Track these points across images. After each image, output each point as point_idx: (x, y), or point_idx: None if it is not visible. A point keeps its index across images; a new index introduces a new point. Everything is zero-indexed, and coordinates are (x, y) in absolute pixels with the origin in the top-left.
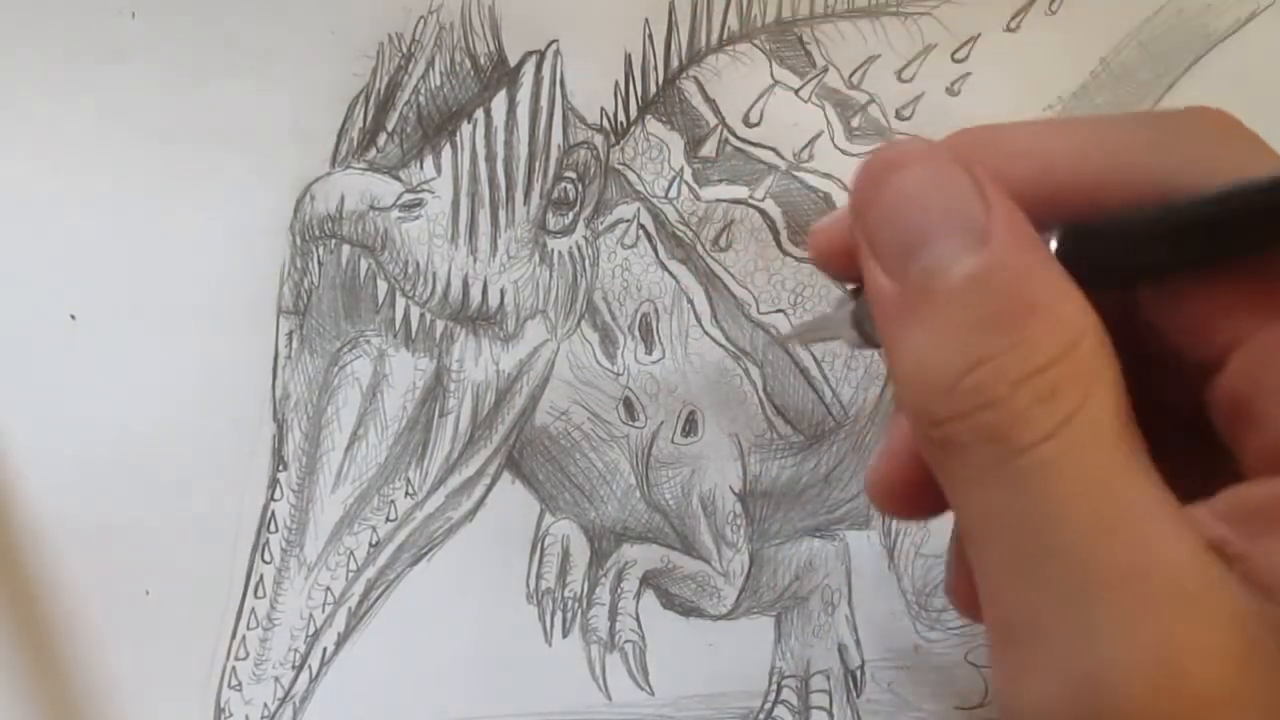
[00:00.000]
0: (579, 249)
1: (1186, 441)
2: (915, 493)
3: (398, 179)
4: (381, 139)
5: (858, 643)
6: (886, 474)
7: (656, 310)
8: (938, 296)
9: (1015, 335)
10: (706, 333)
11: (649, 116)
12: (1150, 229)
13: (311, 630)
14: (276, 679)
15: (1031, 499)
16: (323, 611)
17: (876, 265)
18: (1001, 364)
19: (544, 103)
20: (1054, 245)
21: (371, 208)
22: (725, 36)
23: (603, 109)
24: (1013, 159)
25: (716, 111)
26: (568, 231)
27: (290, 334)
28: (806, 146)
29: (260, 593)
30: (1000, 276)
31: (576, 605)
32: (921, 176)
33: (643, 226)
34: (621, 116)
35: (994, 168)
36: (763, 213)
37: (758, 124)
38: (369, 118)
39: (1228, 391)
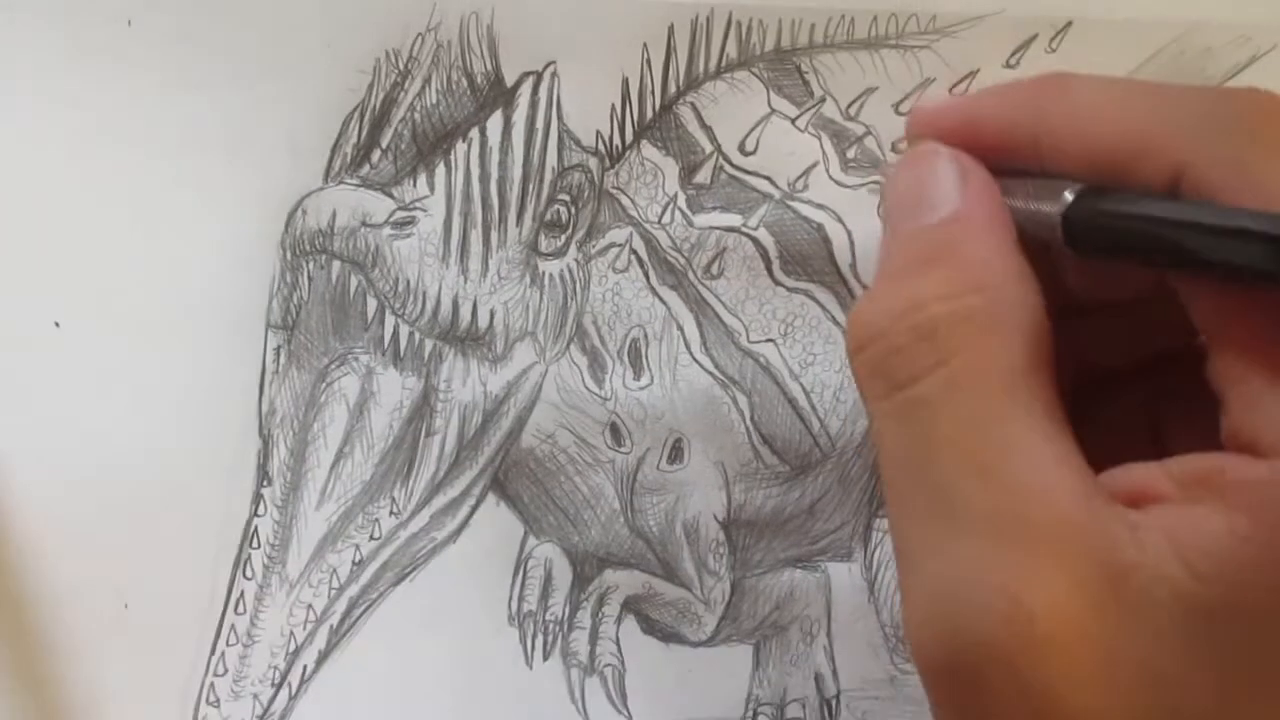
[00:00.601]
0: (570, 272)
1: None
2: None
3: (390, 196)
4: (375, 155)
5: (834, 672)
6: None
7: (646, 336)
8: (891, 252)
9: (916, 282)
10: (695, 360)
11: (644, 141)
12: (1158, 220)
13: (292, 648)
14: (255, 696)
15: (912, 433)
16: (304, 629)
17: (881, 249)
18: (892, 303)
19: (539, 124)
20: (1068, 197)
21: (363, 224)
22: (724, 64)
23: (598, 132)
24: (1069, 120)
25: (712, 138)
26: (559, 254)
27: (278, 349)
28: (801, 176)
29: (241, 609)
30: (935, 231)
31: (557, 628)
32: (915, 170)
33: (635, 251)
34: (617, 140)
35: (1052, 124)
36: (755, 241)
37: (753, 152)
38: (363, 133)
39: (1210, 372)
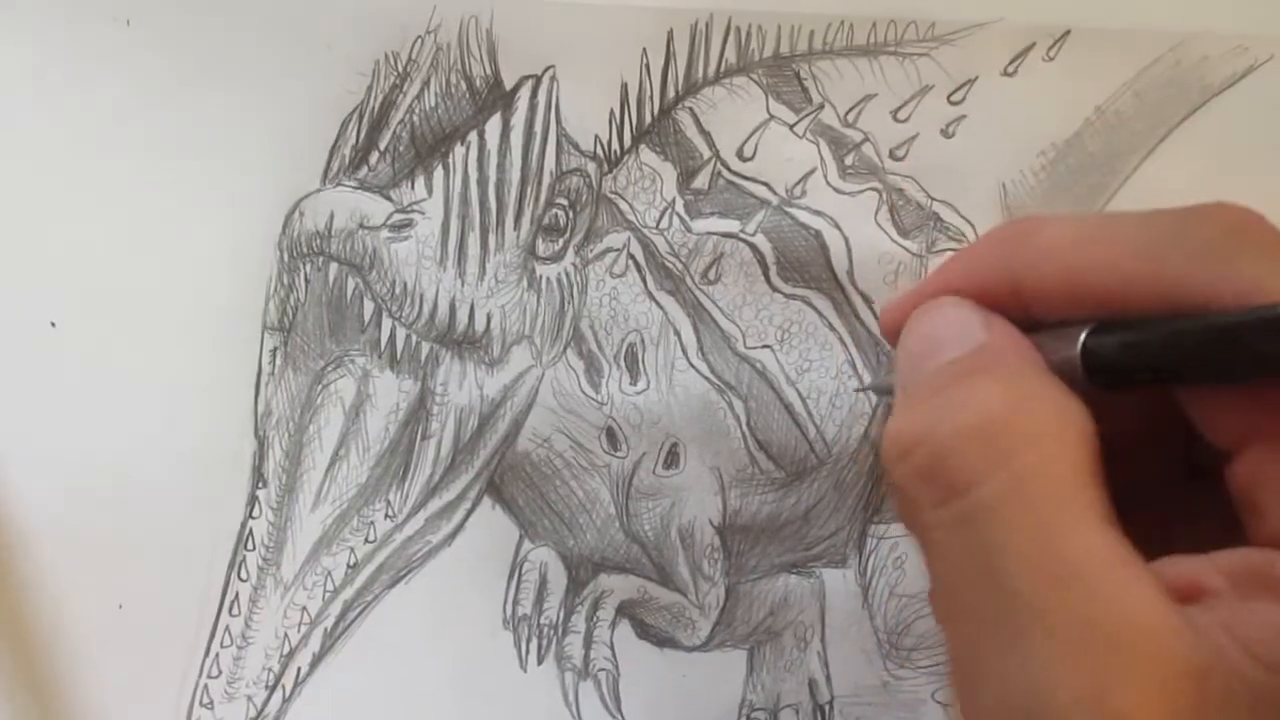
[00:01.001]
0: (567, 276)
1: (1210, 505)
2: None
3: (388, 198)
4: (373, 158)
5: (828, 678)
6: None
7: (643, 340)
8: (919, 384)
9: (960, 390)
10: (692, 365)
11: (643, 146)
12: (1168, 340)
13: (286, 650)
14: (249, 698)
15: (980, 542)
16: (298, 631)
17: (901, 389)
18: (940, 411)
19: (538, 128)
20: (1083, 337)
21: (361, 226)
22: (722, 69)
23: (597, 137)
24: (1048, 257)
25: (711, 144)
26: (557, 258)
27: (274, 350)
28: (799, 183)
29: (235, 610)
30: (973, 356)
31: (552, 632)
32: (932, 317)
33: (632, 256)
34: (615, 145)
35: (1030, 263)
36: (753, 247)
37: (751, 158)
38: (362, 136)
39: (1236, 479)
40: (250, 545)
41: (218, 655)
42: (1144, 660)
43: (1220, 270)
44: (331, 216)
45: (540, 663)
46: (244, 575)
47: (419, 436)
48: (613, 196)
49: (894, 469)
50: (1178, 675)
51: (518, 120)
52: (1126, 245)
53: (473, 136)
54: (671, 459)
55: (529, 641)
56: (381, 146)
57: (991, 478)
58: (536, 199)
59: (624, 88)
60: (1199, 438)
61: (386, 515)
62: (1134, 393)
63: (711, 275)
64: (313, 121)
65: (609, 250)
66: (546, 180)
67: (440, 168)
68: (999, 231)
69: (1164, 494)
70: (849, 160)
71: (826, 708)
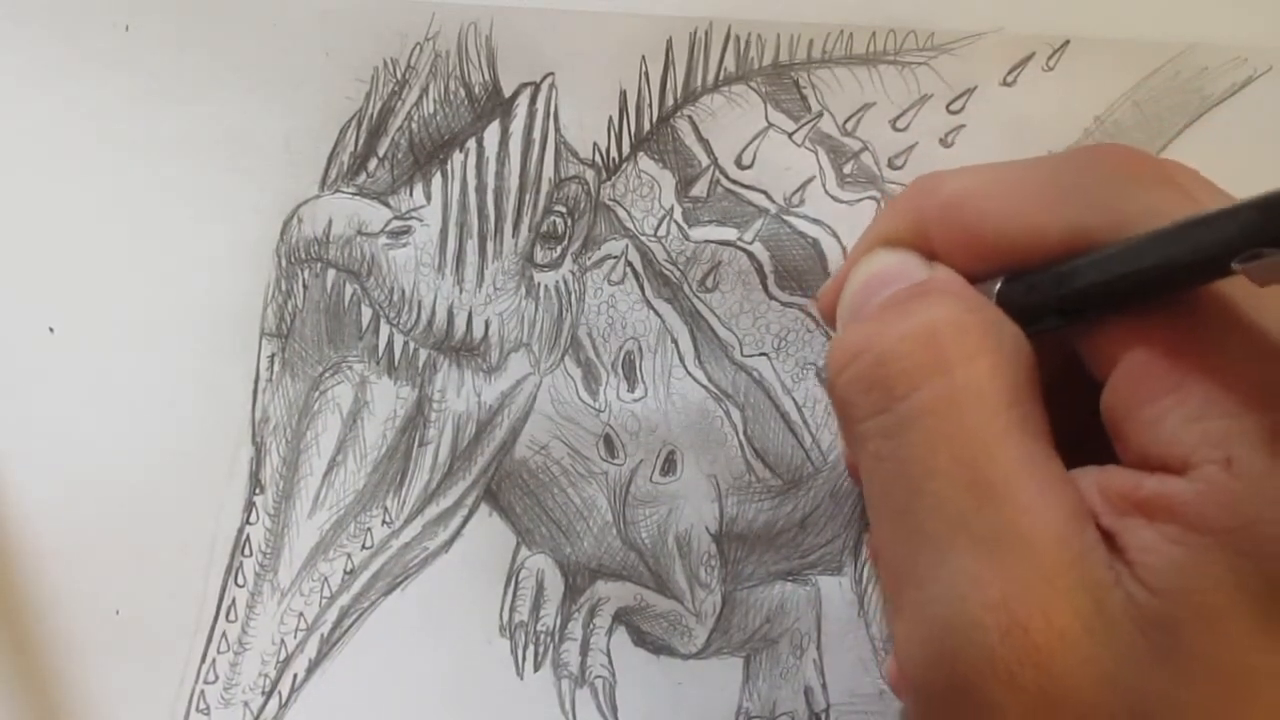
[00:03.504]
0: (565, 283)
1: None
2: None
3: (386, 205)
4: (372, 164)
5: (824, 686)
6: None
7: (640, 348)
8: (869, 309)
9: (908, 304)
10: (689, 373)
11: (641, 154)
12: (1062, 279)
13: (283, 656)
14: (246, 704)
15: (910, 448)
16: (295, 637)
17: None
18: (886, 322)
19: (537, 135)
20: (998, 286)
21: (359, 233)
22: (721, 77)
23: (595, 144)
24: (949, 213)
25: (709, 152)
26: (555, 265)
27: (272, 356)
28: (798, 191)
29: (232, 616)
30: (918, 285)
31: (549, 639)
32: (878, 259)
33: (630, 264)
34: (614, 152)
35: (935, 220)
36: (751, 255)
37: (750, 166)
38: (360, 142)
39: (1105, 408)
40: (247, 551)
41: (214, 661)
42: (1051, 572)
43: (1110, 210)
44: (330, 223)
45: (537, 670)
46: (241, 581)
47: (416, 443)
48: (611, 204)
49: (836, 381)
50: (1080, 589)
51: (516, 127)
52: (1021, 194)
53: (471, 143)
54: (669, 466)
55: (525, 648)
56: (380, 153)
57: (928, 384)
58: (535, 206)
59: (623, 95)
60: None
61: (384, 521)
62: (1049, 341)
63: (709, 283)
64: (311, 128)
65: (607, 258)
66: (545, 187)
67: (439, 175)
68: (907, 191)
69: (1078, 438)
70: (847, 169)
71: (822, 715)
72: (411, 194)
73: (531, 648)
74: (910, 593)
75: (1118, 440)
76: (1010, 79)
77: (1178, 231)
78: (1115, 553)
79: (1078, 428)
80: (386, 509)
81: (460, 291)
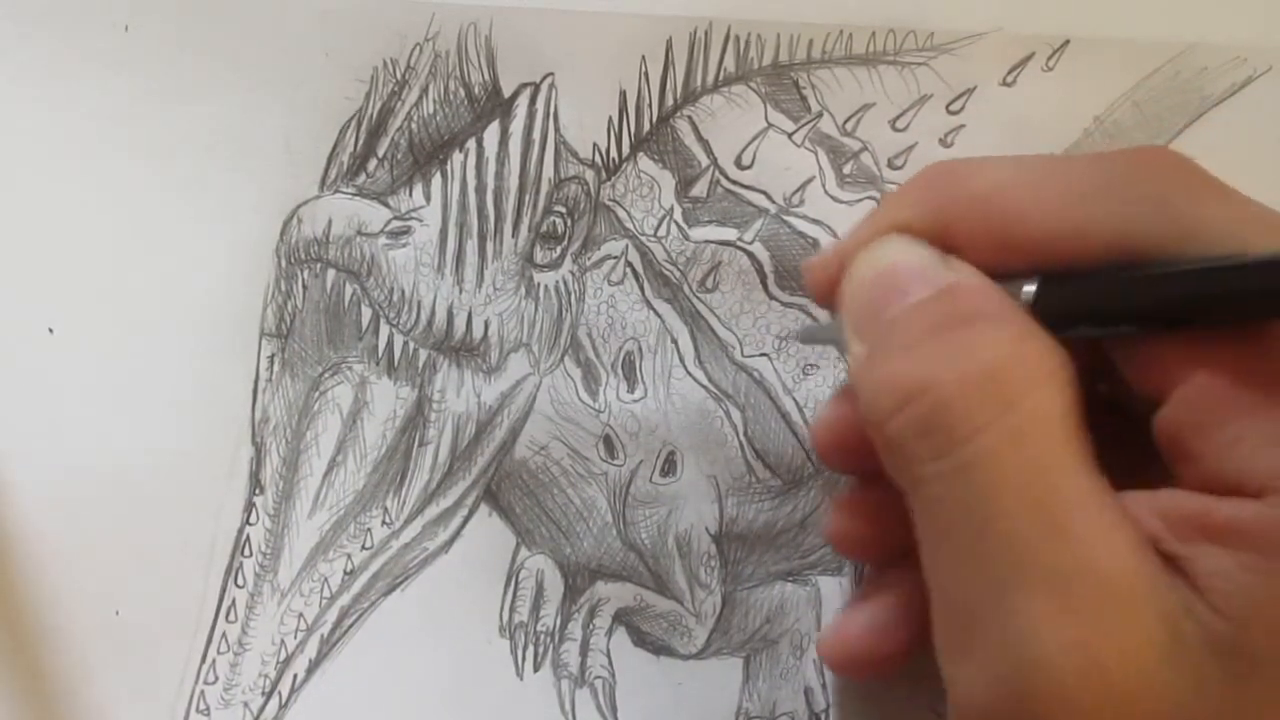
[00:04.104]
0: (565, 284)
1: (1141, 459)
2: (870, 659)
3: (386, 205)
4: (372, 164)
5: (824, 686)
6: (843, 640)
7: (640, 349)
8: (895, 324)
9: (959, 335)
10: (689, 373)
11: (641, 154)
12: (1114, 291)
13: (283, 656)
14: (246, 704)
15: (975, 489)
16: (294, 638)
17: (855, 338)
18: (940, 359)
19: (536, 136)
20: (1033, 291)
21: (359, 233)
22: (721, 77)
23: (595, 144)
24: (980, 205)
25: (709, 152)
26: (555, 265)
27: (272, 357)
28: (797, 191)
29: (232, 617)
30: (949, 297)
31: (548, 640)
32: (891, 250)
33: (630, 264)
34: (614, 153)
35: (962, 210)
36: (751, 256)
37: (749, 166)
38: (360, 142)
39: (1166, 425)
40: (247, 551)
41: (214, 661)
42: (1126, 609)
43: (1159, 216)
44: (330, 223)
45: (537, 670)
46: (241, 581)
47: (416, 443)
48: (611, 204)
49: (888, 421)
50: (1155, 624)
51: (516, 128)
52: (1067, 191)
53: (471, 144)
54: (669, 467)
55: (525, 649)
56: (380, 153)
57: (992, 426)
58: (534, 206)
59: (623, 96)
60: (1121, 381)
61: (384, 522)
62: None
63: (709, 283)
64: (311, 128)
65: (607, 258)
66: (545, 188)
67: (438, 175)
68: (928, 175)
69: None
70: (847, 169)
71: (822, 715)
72: (411, 194)
73: (531, 648)
74: (975, 634)
75: (1181, 460)
76: (1010, 79)
77: (1255, 266)
78: (1181, 579)
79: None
80: (386, 509)
81: (460, 292)
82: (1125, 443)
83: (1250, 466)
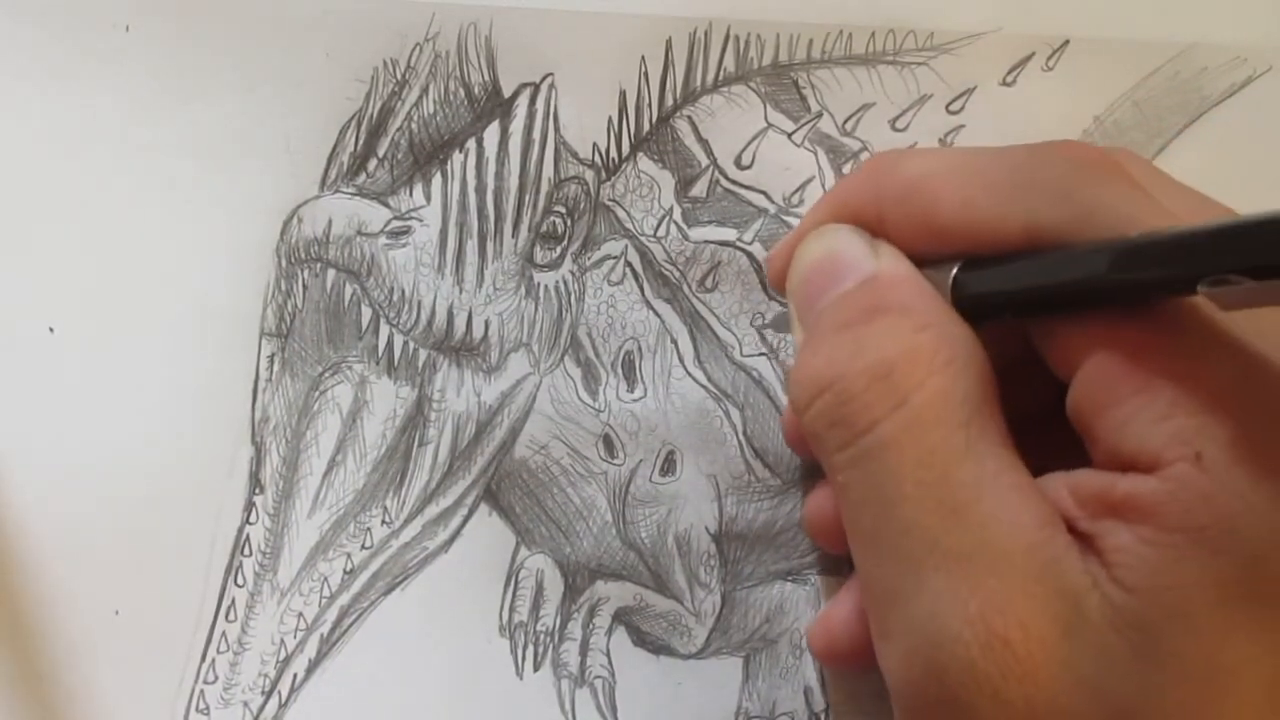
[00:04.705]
0: (565, 284)
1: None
2: (853, 647)
3: (386, 205)
4: (372, 164)
5: (824, 686)
6: (827, 628)
7: (640, 348)
8: (819, 319)
9: (862, 330)
10: (689, 373)
11: (641, 154)
12: (1022, 274)
13: (282, 656)
14: (245, 704)
15: (876, 477)
16: (294, 637)
17: (798, 326)
18: (846, 353)
19: (536, 136)
20: (954, 273)
21: (359, 233)
22: (721, 77)
23: (595, 144)
24: (906, 194)
25: (709, 152)
26: (555, 265)
27: (272, 356)
28: (797, 191)
29: (231, 616)
30: (869, 288)
31: (548, 639)
32: (820, 245)
33: (630, 264)
34: (614, 153)
35: (892, 199)
36: (750, 256)
37: (749, 166)
38: (360, 142)
39: (1072, 406)
40: (247, 551)
41: (214, 661)
42: (1025, 582)
43: (1067, 204)
44: (330, 223)
45: (536, 670)
46: (241, 581)
47: (416, 443)
48: (611, 204)
49: (804, 416)
50: (1056, 596)
51: (516, 128)
52: (983, 181)
53: (471, 144)
54: (668, 466)
55: (525, 648)
56: (380, 153)
57: (887, 418)
58: (534, 206)
59: (622, 96)
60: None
61: (383, 521)
62: (1004, 328)
63: (709, 283)
64: (311, 128)
65: (607, 258)
66: (545, 188)
67: (438, 175)
68: (868, 165)
69: (1040, 425)
70: (847, 169)
71: (822, 715)
72: (411, 194)
73: (531, 648)
74: (892, 614)
75: (1087, 440)
76: (1010, 79)
77: (1147, 247)
78: (1092, 555)
79: (1041, 409)
80: (386, 509)
81: (460, 291)
82: (1059, 425)
83: (1144, 442)
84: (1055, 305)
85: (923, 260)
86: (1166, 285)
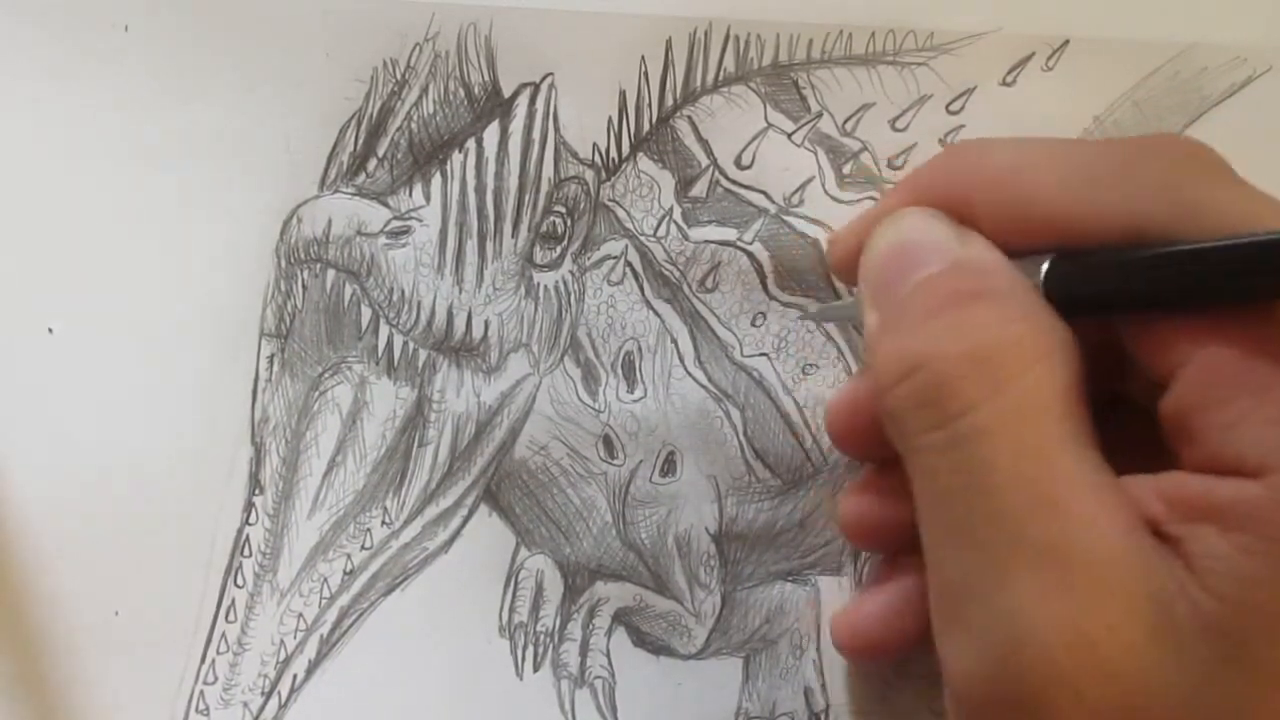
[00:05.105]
0: (565, 284)
1: (1146, 438)
2: (881, 639)
3: (386, 205)
4: (371, 164)
5: (824, 687)
6: (853, 620)
7: (640, 349)
8: (907, 298)
9: (958, 314)
10: (689, 373)
11: (641, 154)
12: (1127, 270)
13: (282, 656)
14: (245, 704)
15: (968, 464)
16: (294, 638)
17: (870, 308)
18: (942, 335)
19: (536, 135)
20: (1045, 268)
21: (358, 233)
22: (721, 78)
23: (595, 144)
24: (998, 182)
25: (709, 152)
26: (554, 265)
27: (271, 357)
28: (797, 191)
29: (231, 617)
30: (958, 272)
31: (548, 640)
32: (907, 223)
33: (630, 264)
34: (614, 153)
35: (981, 187)
36: (750, 256)
37: (749, 166)
38: (360, 142)
39: (1171, 407)
40: (247, 551)
41: (214, 662)
42: (1116, 586)
43: (1173, 200)
44: (329, 223)
45: (536, 670)
46: (240, 582)
47: (416, 443)
48: (610, 204)
49: (890, 392)
50: (1145, 602)
51: (516, 128)
52: (1078, 174)
53: (471, 144)
54: (668, 467)
55: (525, 649)
56: (380, 153)
57: (985, 403)
58: (534, 206)
59: (622, 96)
60: (1132, 366)
61: (383, 522)
62: (1088, 323)
63: (709, 283)
64: (311, 128)
65: (607, 258)
66: (544, 188)
67: (438, 175)
68: (948, 154)
69: (1107, 419)
70: (847, 169)
71: (822, 715)
72: (411, 194)
73: (531, 648)
74: (968, 608)
75: (1184, 441)
76: (1010, 79)
77: (1261, 246)
78: (1177, 560)
79: (1100, 406)
80: (386, 509)
81: (460, 292)
82: (1136, 431)
83: (1249, 447)
84: (1158, 302)
85: (1010, 253)
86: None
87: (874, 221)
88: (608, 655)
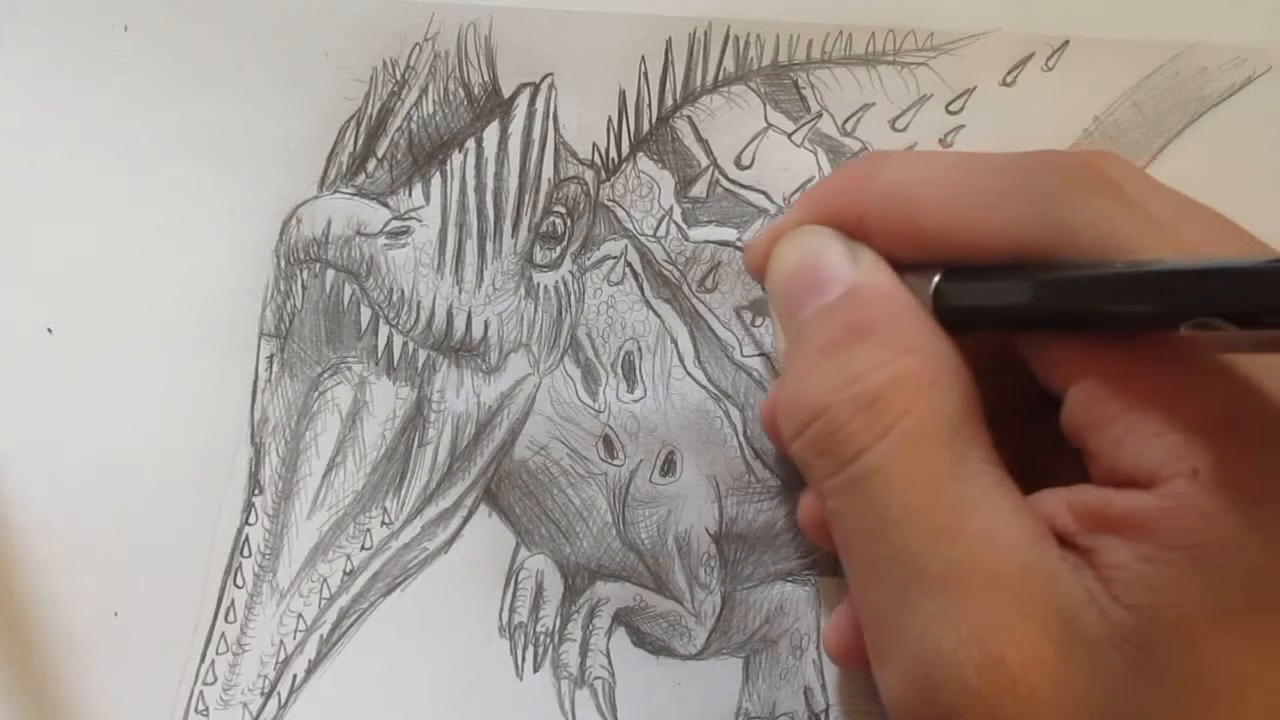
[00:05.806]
0: (565, 284)
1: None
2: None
3: (385, 205)
4: (371, 164)
5: (824, 686)
6: (840, 629)
7: (640, 349)
8: (802, 334)
9: (845, 356)
10: (689, 373)
11: (641, 154)
12: (1010, 290)
13: (282, 657)
14: (245, 705)
15: (864, 505)
16: (294, 638)
17: (780, 330)
18: (831, 381)
19: (536, 135)
20: (935, 281)
21: (358, 233)
22: (721, 77)
23: (595, 144)
24: (889, 198)
25: (709, 152)
26: (554, 266)
27: (271, 357)
28: (797, 191)
29: (231, 617)
30: (843, 306)
31: (548, 640)
32: (798, 248)
33: (629, 264)
34: (613, 153)
35: (874, 203)
36: None
37: (749, 166)
38: (359, 143)
39: (1067, 422)
40: (246, 552)
41: (213, 662)
42: (1020, 604)
43: (1055, 220)
44: (329, 223)
45: (536, 670)
46: (240, 582)
47: (416, 444)
48: (610, 204)
49: (794, 443)
50: (1050, 613)
51: (516, 128)
52: (967, 191)
53: (470, 144)
54: (668, 467)
55: (525, 649)
56: (379, 154)
57: (872, 447)
58: (534, 206)
59: (622, 96)
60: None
61: (383, 522)
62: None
63: (709, 283)
64: (310, 128)
65: (606, 258)
66: (544, 188)
67: (438, 175)
68: (844, 170)
69: (1024, 425)
70: None
71: (822, 715)
72: (410, 194)
73: (531, 648)
74: (885, 637)
75: (1085, 455)
76: (1010, 79)
77: (1130, 281)
78: (1088, 570)
79: (1024, 405)
80: (386, 510)
81: (459, 292)
82: (1045, 421)
83: (1140, 459)
84: (1039, 324)
85: (903, 265)
86: (1150, 321)
87: (777, 237)
88: (608, 655)
